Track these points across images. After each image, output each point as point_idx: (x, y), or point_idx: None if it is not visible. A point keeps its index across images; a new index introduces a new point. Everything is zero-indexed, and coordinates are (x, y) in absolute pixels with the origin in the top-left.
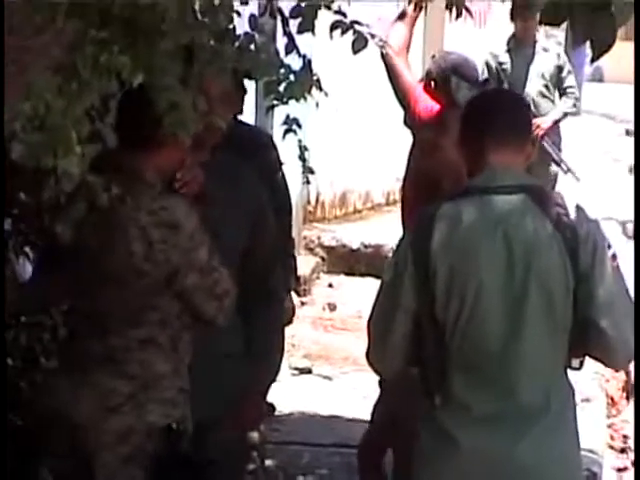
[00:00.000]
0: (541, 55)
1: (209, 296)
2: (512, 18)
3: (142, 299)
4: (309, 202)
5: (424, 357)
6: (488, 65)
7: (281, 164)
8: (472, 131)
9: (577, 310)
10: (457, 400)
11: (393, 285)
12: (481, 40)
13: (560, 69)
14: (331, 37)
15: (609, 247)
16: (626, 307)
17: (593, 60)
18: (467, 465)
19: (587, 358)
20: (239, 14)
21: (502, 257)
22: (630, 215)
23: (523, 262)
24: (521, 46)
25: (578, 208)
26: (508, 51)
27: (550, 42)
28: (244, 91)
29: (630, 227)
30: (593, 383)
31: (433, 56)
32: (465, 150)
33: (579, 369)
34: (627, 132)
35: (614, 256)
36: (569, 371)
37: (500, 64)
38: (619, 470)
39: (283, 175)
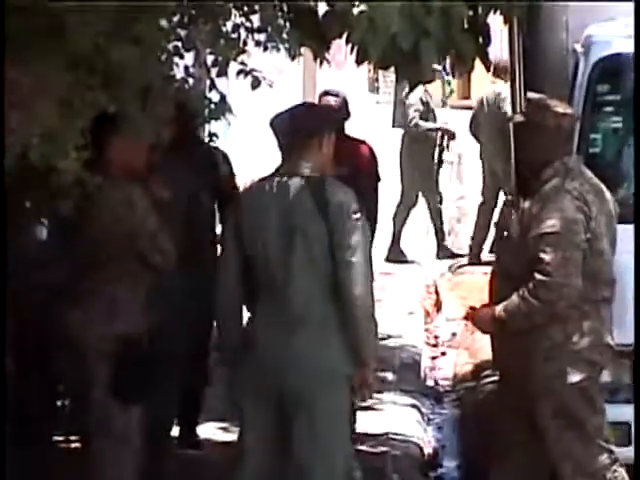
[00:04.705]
0: None
1: (154, 250)
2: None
3: (113, 251)
4: None
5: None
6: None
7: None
8: None
9: (334, 254)
10: (264, 312)
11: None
12: (341, 78)
13: None
14: (237, 78)
15: (355, 212)
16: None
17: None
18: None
19: None
20: (177, 65)
21: (277, 220)
22: None
23: (290, 222)
24: None
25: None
26: None
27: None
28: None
29: None
30: (414, 300)
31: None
32: None
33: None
34: None
35: (358, 218)
36: None
37: None
38: (432, 358)
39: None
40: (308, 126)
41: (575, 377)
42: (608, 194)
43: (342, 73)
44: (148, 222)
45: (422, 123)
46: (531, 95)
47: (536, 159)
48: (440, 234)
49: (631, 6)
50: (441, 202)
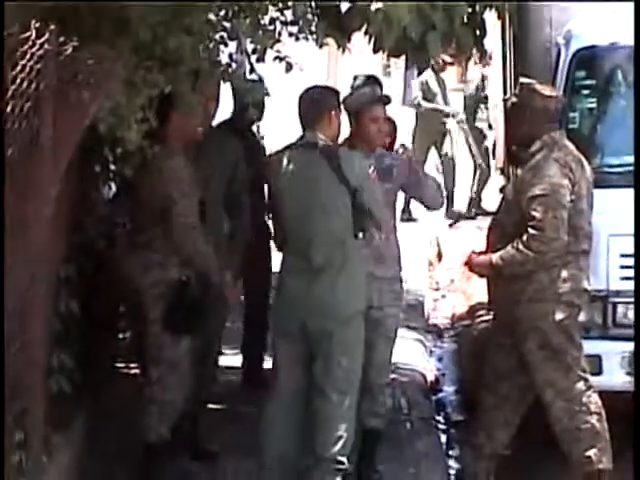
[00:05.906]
0: None
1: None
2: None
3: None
4: None
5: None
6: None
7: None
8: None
9: (356, 208)
10: (290, 261)
11: None
12: (360, 64)
13: None
14: (272, 63)
15: (370, 167)
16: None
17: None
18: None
19: None
20: (222, 52)
21: (298, 182)
22: None
23: (311, 185)
24: None
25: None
26: None
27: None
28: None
29: None
30: (420, 252)
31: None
32: None
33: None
34: None
35: (372, 173)
36: None
37: None
38: (434, 300)
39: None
40: (316, 104)
41: (558, 316)
42: (586, 163)
43: (360, 60)
44: (185, 183)
45: (424, 103)
46: (523, 79)
47: (526, 134)
48: (451, 200)
49: (606, 5)
50: (454, 172)
